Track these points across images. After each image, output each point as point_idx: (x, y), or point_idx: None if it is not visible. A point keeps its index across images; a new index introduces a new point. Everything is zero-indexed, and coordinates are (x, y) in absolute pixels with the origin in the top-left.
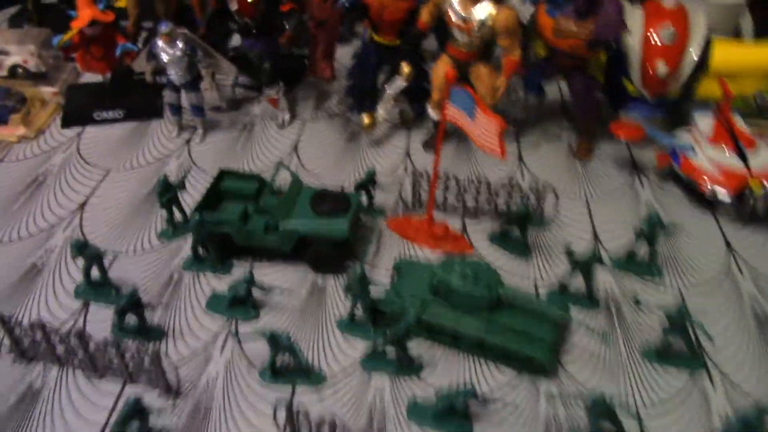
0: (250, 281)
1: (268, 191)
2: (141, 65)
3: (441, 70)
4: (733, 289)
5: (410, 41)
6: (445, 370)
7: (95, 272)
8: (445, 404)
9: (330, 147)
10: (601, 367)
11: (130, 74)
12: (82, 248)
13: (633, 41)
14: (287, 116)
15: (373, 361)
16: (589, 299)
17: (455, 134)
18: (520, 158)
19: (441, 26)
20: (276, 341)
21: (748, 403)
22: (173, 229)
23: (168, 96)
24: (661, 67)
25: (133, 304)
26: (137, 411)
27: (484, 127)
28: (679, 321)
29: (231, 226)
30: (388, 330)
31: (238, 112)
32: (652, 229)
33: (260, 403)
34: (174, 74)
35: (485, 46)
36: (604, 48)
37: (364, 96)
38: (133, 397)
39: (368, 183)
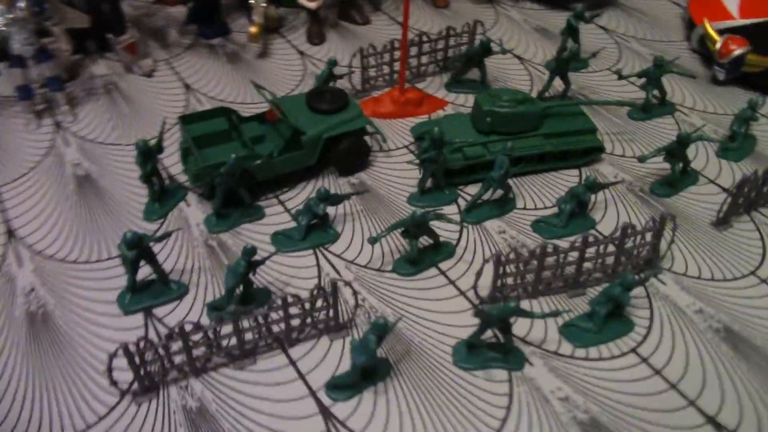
0: (326, 197)
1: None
2: None
3: None
4: None
5: None
6: (533, 196)
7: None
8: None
9: (220, 74)
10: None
11: None
12: (135, 243)
13: None
14: (150, 60)
15: (474, 214)
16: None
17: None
18: (396, 21)
19: None
20: (422, 220)
21: None
22: (158, 204)
23: (14, 76)
24: None
25: (251, 267)
26: (381, 337)
27: None
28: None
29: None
30: (486, 178)
31: (83, 77)
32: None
33: (431, 292)
34: (20, 43)
35: None
36: None
37: (211, 15)
38: (381, 320)
39: (331, 75)
